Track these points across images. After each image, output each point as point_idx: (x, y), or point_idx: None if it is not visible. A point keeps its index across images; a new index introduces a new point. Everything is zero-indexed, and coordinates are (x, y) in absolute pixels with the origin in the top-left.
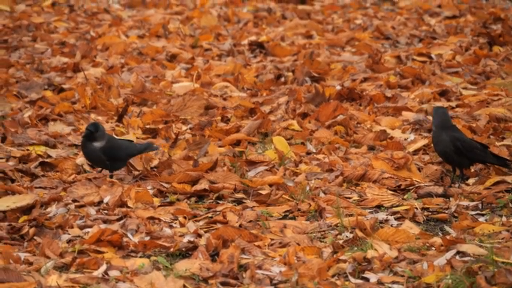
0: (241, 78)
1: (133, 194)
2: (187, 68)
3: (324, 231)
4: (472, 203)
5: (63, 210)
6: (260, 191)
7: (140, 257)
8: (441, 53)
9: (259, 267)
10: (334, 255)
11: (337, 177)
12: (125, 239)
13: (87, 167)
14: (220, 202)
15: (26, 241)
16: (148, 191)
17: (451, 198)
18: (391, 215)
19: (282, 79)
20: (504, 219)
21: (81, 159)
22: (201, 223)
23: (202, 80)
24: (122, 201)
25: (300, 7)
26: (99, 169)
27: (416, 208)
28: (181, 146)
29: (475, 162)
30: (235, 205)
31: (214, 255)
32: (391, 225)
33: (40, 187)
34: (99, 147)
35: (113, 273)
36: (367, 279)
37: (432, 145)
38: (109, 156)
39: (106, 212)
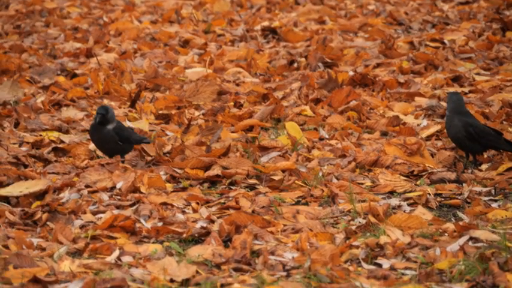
0: (254, 64)
1: (146, 179)
2: (200, 53)
3: (336, 217)
4: (485, 189)
5: (76, 196)
6: (273, 177)
7: (153, 242)
8: (454, 38)
9: (272, 253)
10: (347, 241)
11: (349, 162)
12: (137, 225)
13: (100, 153)
14: (233, 188)
15: (38, 226)
16: (161, 176)
17: (463, 184)
18: (403, 201)
19: (295, 65)
20: None
21: (93, 145)
22: (213, 209)
23: (215, 65)
24: (135, 186)
25: None
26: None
27: (429, 194)
28: (194, 132)
29: (487, 148)
30: (248, 191)
31: (227, 241)
32: (404, 211)
33: (53, 172)
34: (112, 128)
35: (126, 258)
36: (379, 265)
37: (445, 130)
38: (121, 137)
39: (119, 197)
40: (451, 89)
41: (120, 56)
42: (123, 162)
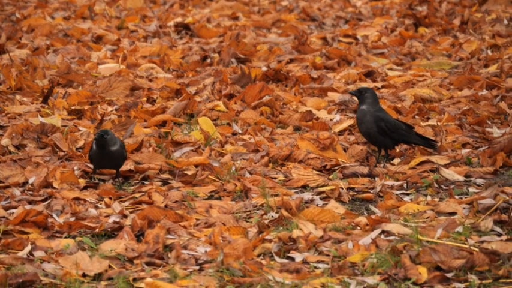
0: (167, 60)
1: (59, 174)
2: (113, 49)
3: (249, 211)
4: (397, 183)
5: None
6: (186, 172)
7: (65, 237)
8: (367, 34)
9: (185, 247)
10: (260, 235)
11: (262, 157)
12: (50, 220)
13: (12, 148)
14: (146, 183)
15: None
16: (74, 171)
17: (376, 178)
18: (316, 195)
19: (208, 60)
20: (429, 198)
21: (5, 141)
22: (126, 204)
23: (128, 61)
24: (47, 182)
25: None
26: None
27: (342, 188)
28: (107, 127)
29: (399, 143)
30: (161, 186)
31: (139, 236)
32: (317, 205)
33: None
34: (119, 146)
35: (38, 253)
36: (292, 259)
37: (357, 126)
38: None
39: (31, 192)
40: (364, 84)
41: (33, 52)
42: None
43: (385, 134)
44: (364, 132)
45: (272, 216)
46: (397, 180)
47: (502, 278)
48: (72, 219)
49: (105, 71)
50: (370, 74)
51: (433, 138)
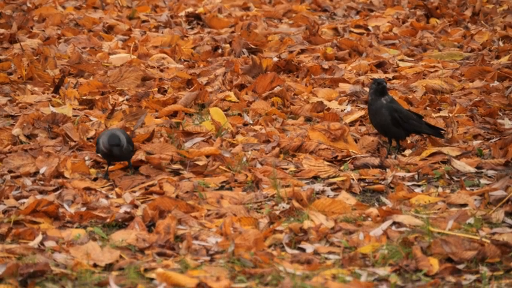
0: (179, 50)
1: (70, 164)
2: (124, 39)
3: (260, 202)
4: (408, 174)
5: None
6: (197, 162)
7: (76, 227)
8: (378, 25)
9: (196, 238)
10: (271, 226)
11: (273, 148)
12: (61, 210)
13: (23, 138)
14: None
15: None
16: (85, 161)
17: (387, 169)
18: (327, 186)
19: (219, 51)
20: (440, 190)
21: (17, 130)
22: (137, 194)
23: (139, 51)
24: (58, 171)
25: None
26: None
27: (353, 179)
28: (118, 117)
29: (410, 133)
30: (172, 176)
31: (150, 226)
32: (328, 196)
33: None
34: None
35: (49, 243)
36: (303, 250)
37: (369, 117)
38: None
39: (42, 182)
40: (375, 75)
41: (44, 42)
42: (131, 168)
43: (398, 125)
44: (377, 123)
45: (283, 207)
46: (409, 171)
47: None
48: (83, 209)
49: (116, 61)
50: (381, 65)
51: (443, 128)
